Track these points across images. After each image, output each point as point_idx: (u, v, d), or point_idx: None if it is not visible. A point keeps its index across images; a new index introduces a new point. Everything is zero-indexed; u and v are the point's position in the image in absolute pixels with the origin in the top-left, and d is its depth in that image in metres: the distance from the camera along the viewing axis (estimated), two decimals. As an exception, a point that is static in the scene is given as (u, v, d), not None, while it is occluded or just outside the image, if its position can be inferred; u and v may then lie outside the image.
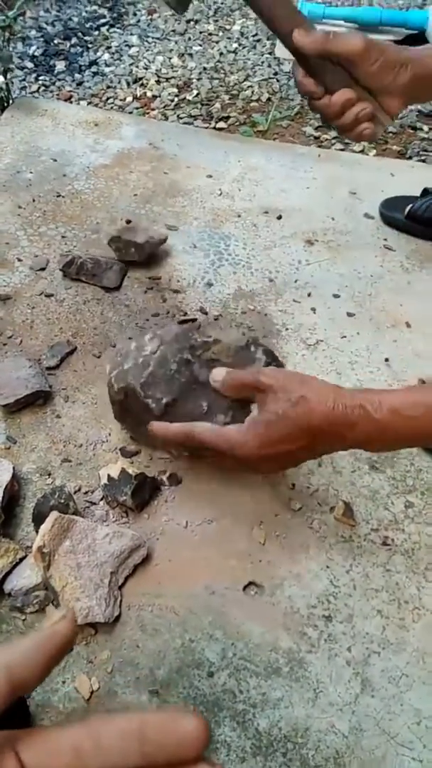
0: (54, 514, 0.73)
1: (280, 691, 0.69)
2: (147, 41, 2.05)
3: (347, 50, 0.73)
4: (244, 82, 1.84)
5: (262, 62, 1.93)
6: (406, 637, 0.74)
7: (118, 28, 2.14)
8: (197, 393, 0.74)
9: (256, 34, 2.06)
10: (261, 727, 0.67)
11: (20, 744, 0.28)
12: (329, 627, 0.74)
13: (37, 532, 0.74)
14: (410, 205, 1.23)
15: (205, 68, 1.90)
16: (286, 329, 1.06)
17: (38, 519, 0.75)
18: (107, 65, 1.95)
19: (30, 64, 1.96)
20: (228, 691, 0.69)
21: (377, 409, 0.60)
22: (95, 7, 2.26)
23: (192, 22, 2.15)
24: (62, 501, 0.76)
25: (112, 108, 1.73)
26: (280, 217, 1.27)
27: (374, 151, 1.57)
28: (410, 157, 1.57)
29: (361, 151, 1.56)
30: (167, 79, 1.86)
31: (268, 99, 1.76)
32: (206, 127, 1.65)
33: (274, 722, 0.67)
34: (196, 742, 0.28)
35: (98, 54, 2.00)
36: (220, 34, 2.09)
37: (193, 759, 0.28)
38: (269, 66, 1.91)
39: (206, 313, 1.07)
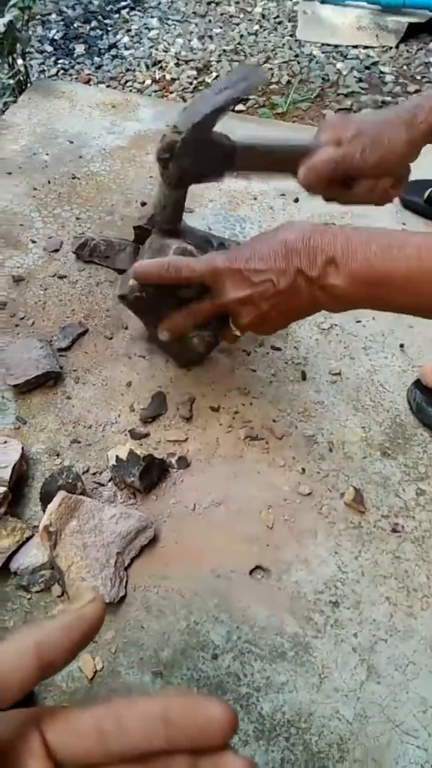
0: (61, 494, 0.73)
1: (284, 675, 0.69)
2: (167, 24, 2.04)
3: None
4: (265, 65, 1.82)
5: (283, 44, 1.90)
6: (413, 625, 0.73)
7: (138, 10, 2.12)
8: None
9: (278, 16, 2.04)
10: (264, 711, 0.66)
11: (44, 723, 0.28)
12: (336, 613, 0.73)
13: (44, 511, 0.74)
14: (430, 189, 1.20)
15: (225, 50, 1.88)
16: (300, 313, 1.05)
17: (46, 498, 0.75)
18: (126, 48, 1.94)
19: (50, 48, 1.96)
20: (232, 674, 0.68)
21: (356, 229, 0.62)
22: (115, -10, 2.25)
23: (213, 4, 2.12)
24: (70, 481, 0.76)
25: (130, 90, 1.72)
26: (297, 200, 1.26)
27: (395, 135, 1.54)
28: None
29: (382, 135, 1.54)
30: (186, 62, 1.85)
31: (288, 81, 1.74)
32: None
33: (277, 706, 0.67)
34: (222, 727, 0.27)
35: (118, 37, 1.99)
36: (241, 16, 2.07)
37: (218, 746, 0.28)
38: (290, 48, 1.89)
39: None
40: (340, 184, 0.77)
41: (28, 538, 0.74)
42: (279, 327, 0.74)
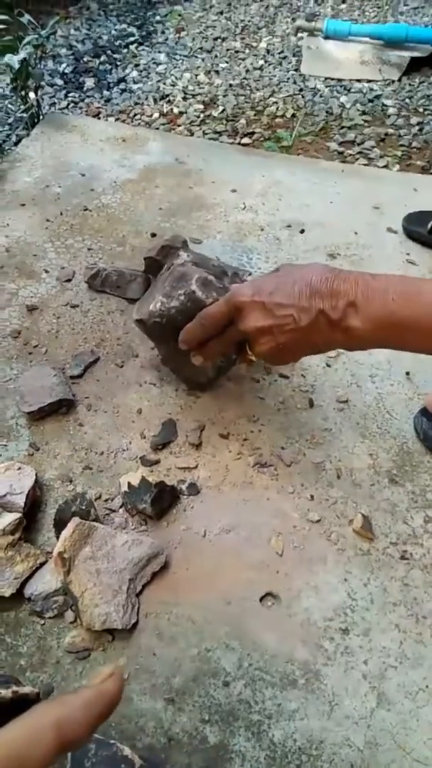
0: (75, 520, 0.74)
1: (295, 702, 0.69)
2: (174, 59, 2.09)
3: None
4: (270, 99, 1.87)
5: (288, 79, 1.95)
6: (423, 653, 0.73)
7: (146, 46, 2.19)
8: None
9: (282, 52, 2.09)
10: (276, 738, 0.67)
11: None
12: (346, 640, 0.74)
13: (57, 537, 0.75)
14: (433, 220, 1.23)
15: (231, 85, 1.93)
16: (307, 342, 1.07)
17: (59, 525, 0.77)
18: (135, 82, 1.99)
19: (60, 81, 2.02)
20: (243, 701, 0.69)
21: (375, 276, 0.64)
22: (124, 26, 2.32)
23: (219, 40, 2.18)
24: (83, 507, 0.78)
25: (139, 124, 1.77)
26: (303, 231, 1.28)
27: (398, 167, 1.58)
28: (434, 172, 1.57)
29: (385, 167, 1.57)
30: (193, 96, 1.89)
31: (293, 115, 1.78)
32: (231, 143, 1.67)
33: (288, 734, 0.67)
34: None
35: (126, 71, 2.05)
36: (247, 51, 2.12)
37: None
38: (294, 83, 1.93)
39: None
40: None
41: (42, 564, 0.75)
42: (292, 360, 0.76)
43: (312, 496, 0.87)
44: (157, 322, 0.86)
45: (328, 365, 1.04)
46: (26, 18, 1.51)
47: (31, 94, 1.58)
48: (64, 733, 0.31)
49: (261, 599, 0.77)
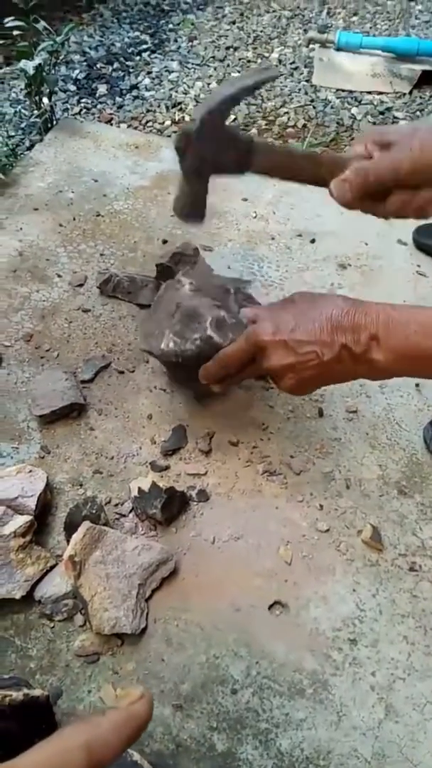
0: (86, 524, 0.74)
1: (303, 712, 0.69)
2: (187, 67, 2.10)
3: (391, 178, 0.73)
4: (281, 109, 1.88)
5: (299, 89, 1.97)
6: (431, 664, 0.73)
7: (159, 53, 2.20)
8: None
9: (294, 62, 2.11)
10: (283, 747, 0.67)
11: None
12: (354, 650, 0.74)
13: (68, 541, 0.76)
14: (443, 233, 1.24)
15: (242, 94, 1.94)
16: (317, 351, 1.07)
17: (70, 528, 0.77)
18: (147, 89, 2.00)
19: (73, 87, 2.03)
20: (251, 709, 0.69)
21: (395, 307, 0.64)
22: (137, 33, 2.33)
23: (231, 49, 2.20)
24: (94, 512, 0.78)
25: (150, 131, 1.78)
26: (313, 241, 1.29)
27: (408, 179, 1.58)
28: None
29: (396, 178, 1.58)
30: (205, 104, 1.91)
31: (304, 125, 1.79)
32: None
33: (296, 743, 0.67)
34: None
35: (139, 78, 2.06)
36: (259, 61, 2.14)
37: None
38: (306, 93, 1.95)
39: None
40: (375, 197, 0.75)
41: (52, 567, 0.76)
42: (315, 389, 0.76)
43: (321, 506, 0.87)
44: (170, 360, 0.84)
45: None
46: (41, 24, 1.52)
47: (45, 100, 1.59)
48: (95, 756, 0.31)
49: (269, 607, 0.77)
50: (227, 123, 0.76)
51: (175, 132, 1.78)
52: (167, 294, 0.91)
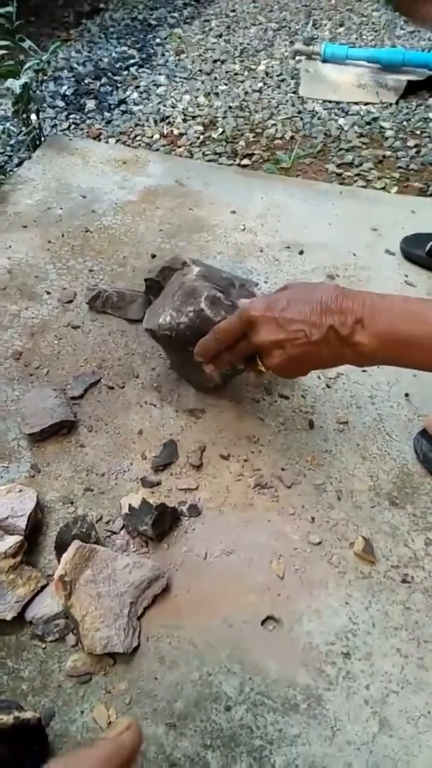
0: (76, 543, 0.74)
1: (297, 727, 0.69)
2: (174, 81, 2.12)
3: None
4: (268, 121, 1.89)
5: (286, 101, 1.98)
6: (425, 677, 0.73)
7: (146, 68, 2.22)
8: None
9: (281, 74, 2.12)
10: (278, 764, 0.66)
11: None
12: (348, 664, 0.74)
13: (58, 560, 0.75)
14: (431, 242, 1.24)
15: (230, 107, 1.95)
16: (307, 363, 1.07)
17: (60, 547, 0.77)
18: (135, 104, 2.01)
19: (61, 103, 2.04)
20: (245, 726, 0.68)
21: (382, 295, 0.68)
22: (125, 48, 2.35)
23: (218, 62, 2.22)
24: (84, 530, 0.78)
25: (139, 145, 1.79)
26: (302, 252, 1.30)
27: (395, 189, 1.60)
28: (431, 195, 1.59)
29: (383, 189, 1.59)
30: (193, 118, 1.92)
31: (292, 137, 1.80)
32: (231, 165, 1.69)
33: (290, 760, 0.67)
34: None
35: (127, 93, 2.07)
36: (246, 73, 2.15)
37: None
38: (293, 105, 1.96)
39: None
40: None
41: (43, 587, 0.76)
42: (300, 373, 0.79)
43: (313, 518, 0.87)
44: (166, 334, 0.90)
45: (328, 386, 1.04)
46: (27, 43, 1.53)
47: (33, 117, 1.60)
48: None
49: (262, 623, 0.77)
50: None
51: (164, 146, 1.79)
52: (176, 279, 0.96)
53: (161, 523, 0.82)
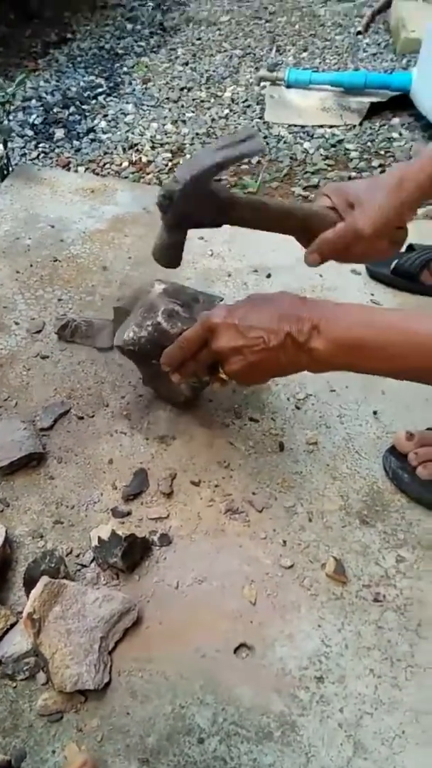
0: (44, 580, 0.73)
1: (271, 756, 0.68)
2: (142, 109, 2.15)
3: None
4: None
5: (252, 127, 2.02)
6: (398, 696, 0.73)
7: (114, 96, 2.25)
8: None
9: (246, 100, 2.16)
10: (253, 795, 0.66)
11: None
12: (321, 688, 0.73)
13: (28, 596, 0.75)
14: (396, 261, 1.27)
15: (197, 133, 1.98)
16: (276, 384, 1.08)
17: (29, 583, 0.76)
18: (104, 132, 2.03)
19: (30, 132, 2.06)
20: (218, 758, 0.68)
21: (337, 304, 0.72)
22: (92, 77, 2.38)
23: (185, 90, 2.25)
24: (53, 565, 0.77)
25: (108, 173, 1.81)
26: (269, 276, 1.31)
27: (361, 208, 1.62)
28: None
29: (348, 208, 1.62)
30: (161, 145, 1.94)
31: (258, 162, 1.83)
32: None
33: (266, 790, 0.66)
34: None
35: (95, 122, 2.10)
36: (212, 100, 2.19)
37: None
38: (259, 130, 2.00)
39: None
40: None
41: (13, 625, 0.75)
42: (259, 380, 0.83)
43: (284, 541, 0.87)
44: (131, 349, 0.94)
45: (297, 407, 1.05)
46: (-6, 76, 1.55)
47: (0, 148, 1.61)
48: None
49: (235, 650, 0.76)
50: (212, 183, 0.82)
51: (132, 173, 1.81)
52: (143, 297, 0.99)
53: (131, 554, 0.81)
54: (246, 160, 1.84)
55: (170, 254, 0.90)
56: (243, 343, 0.74)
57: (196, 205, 0.82)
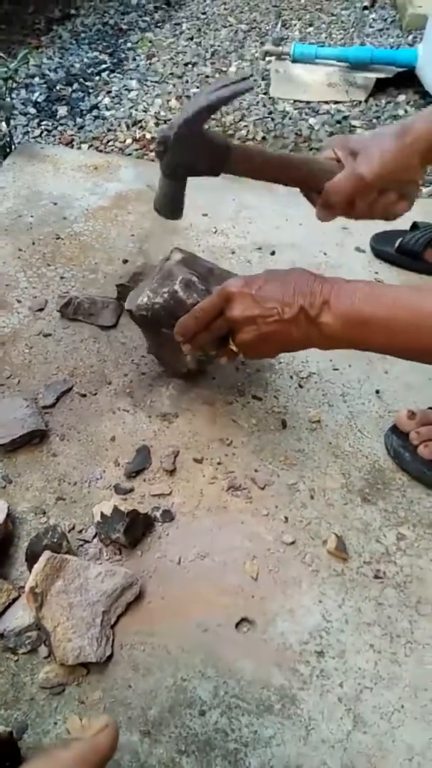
0: (46, 554, 0.74)
1: (272, 728, 0.69)
2: (146, 85, 2.12)
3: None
4: (240, 122, 1.90)
5: (257, 102, 1.99)
6: (398, 672, 0.73)
7: (118, 73, 2.21)
8: None
9: (251, 75, 2.13)
10: (252, 765, 0.66)
11: None
12: (321, 663, 0.74)
13: (30, 571, 0.75)
14: (400, 239, 1.25)
15: (201, 109, 1.96)
16: (279, 363, 1.08)
17: (31, 559, 0.76)
18: (107, 109, 2.01)
19: (33, 110, 2.03)
20: (220, 730, 0.69)
21: (349, 281, 0.73)
22: (96, 54, 2.35)
23: (189, 65, 2.22)
24: (55, 540, 0.78)
25: (112, 150, 1.79)
26: (273, 253, 1.30)
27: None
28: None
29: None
30: (165, 121, 1.92)
31: (263, 138, 1.81)
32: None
33: (265, 761, 0.67)
34: None
35: (99, 98, 2.07)
36: (217, 75, 2.16)
37: None
38: (264, 106, 1.97)
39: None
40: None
41: (15, 599, 0.75)
42: (269, 353, 0.84)
43: (286, 518, 0.87)
44: (143, 314, 0.93)
45: (300, 386, 1.05)
46: (-5, 51, 1.53)
47: (2, 125, 1.59)
48: None
49: (236, 625, 0.77)
50: (205, 128, 0.82)
51: (136, 150, 1.79)
52: (159, 264, 0.98)
53: (134, 530, 0.82)
54: (251, 137, 1.82)
55: (171, 205, 0.90)
56: (258, 312, 0.76)
57: (191, 151, 0.82)
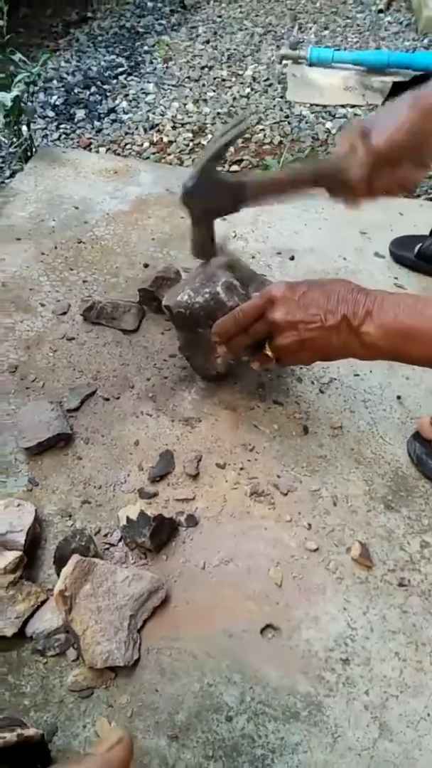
0: (75, 558, 0.75)
1: (298, 735, 0.69)
2: (163, 88, 2.13)
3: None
4: (257, 126, 1.90)
5: (274, 106, 1.99)
6: (423, 680, 0.74)
7: (135, 76, 2.22)
8: None
9: (268, 79, 2.13)
10: (280, 772, 0.67)
11: None
12: (347, 670, 0.74)
13: (58, 574, 0.76)
14: (420, 244, 1.25)
15: (218, 113, 1.96)
16: (300, 368, 1.08)
17: (60, 562, 0.77)
18: (125, 112, 2.02)
19: (51, 113, 2.04)
20: (247, 735, 0.69)
21: (391, 293, 0.74)
22: (113, 57, 2.35)
23: (206, 69, 2.22)
24: (83, 543, 0.78)
25: (129, 154, 1.80)
26: (293, 258, 1.31)
27: (385, 191, 1.60)
28: (419, 197, 1.60)
29: (373, 191, 1.60)
30: (182, 125, 1.93)
31: (280, 142, 1.81)
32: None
33: (292, 767, 0.67)
34: None
35: (116, 102, 2.08)
36: (233, 79, 2.16)
37: None
38: (281, 109, 1.97)
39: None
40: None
41: (43, 602, 0.76)
42: (306, 360, 0.84)
43: (309, 525, 0.87)
44: (181, 312, 0.94)
45: (322, 391, 1.05)
46: (17, 56, 1.54)
47: (24, 129, 1.60)
48: None
49: (261, 631, 0.77)
50: (219, 172, 0.88)
51: (153, 153, 1.80)
52: (203, 265, 0.99)
53: (159, 535, 0.82)
54: (268, 141, 1.82)
55: (204, 248, 0.95)
56: (301, 317, 0.77)
57: (211, 196, 0.87)
